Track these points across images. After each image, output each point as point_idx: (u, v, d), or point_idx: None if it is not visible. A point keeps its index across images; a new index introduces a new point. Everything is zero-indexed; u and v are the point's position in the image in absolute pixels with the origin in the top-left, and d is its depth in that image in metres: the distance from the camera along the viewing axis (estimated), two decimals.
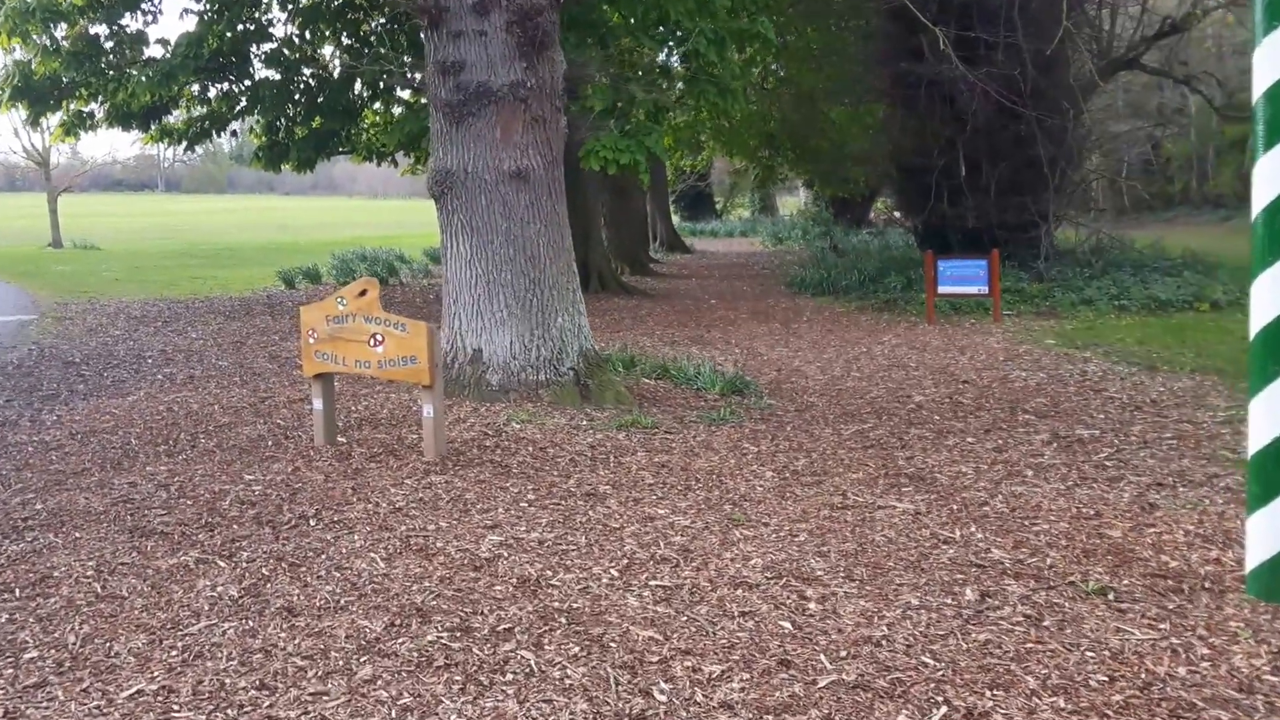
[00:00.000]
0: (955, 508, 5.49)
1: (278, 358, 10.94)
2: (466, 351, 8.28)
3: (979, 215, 16.57)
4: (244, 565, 4.73)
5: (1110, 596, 4.18)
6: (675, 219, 36.25)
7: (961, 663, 3.55)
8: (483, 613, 4.12)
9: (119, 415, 8.08)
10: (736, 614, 4.01)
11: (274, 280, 19.81)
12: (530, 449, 6.81)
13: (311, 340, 6.83)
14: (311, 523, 5.32)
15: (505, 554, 4.79)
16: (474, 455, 6.63)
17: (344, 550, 4.89)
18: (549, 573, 4.53)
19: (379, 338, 6.54)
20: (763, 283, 20.70)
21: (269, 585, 4.48)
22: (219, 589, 4.46)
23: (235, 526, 5.28)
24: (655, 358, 10.59)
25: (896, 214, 36.72)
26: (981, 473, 6.27)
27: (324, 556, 4.82)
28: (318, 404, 6.91)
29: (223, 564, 4.76)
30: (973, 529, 5.09)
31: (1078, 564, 4.57)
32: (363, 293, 6.61)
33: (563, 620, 4.02)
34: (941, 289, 13.77)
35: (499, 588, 4.38)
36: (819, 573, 4.47)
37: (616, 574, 4.50)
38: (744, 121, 19.75)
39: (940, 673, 3.48)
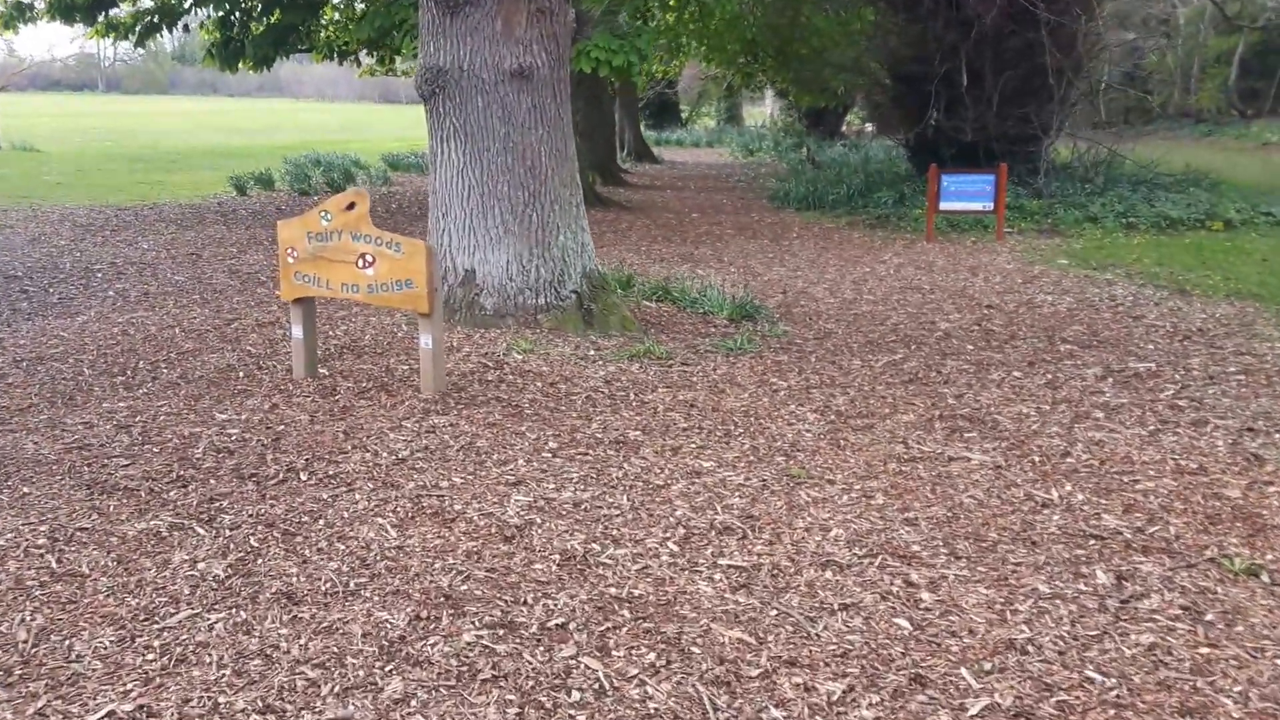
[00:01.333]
0: (1037, 460, 4.84)
1: (238, 273, 10.04)
2: (458, 272, 7.46)
3: (978, 128, 15.79)
4: (227, 533, 3.98)
5: (1264, 578, 3.55)
6: (641, 127, 35.08)
7: (1135, 678, 2.90)
8: (526, 601, 3.41)
9: (68, 339, 7.20)
10: (836, 607, 3.33)
11: (225, 186, 18.63)
12: (539, 384, 6.07)
13: (291, 260, 5.99)
14: (302, 476, 4.56)
15: (538, 519, 4.07)
16: (476, 391, 5.87)
17: (345, 513, 4.15)
18: (595, 546, 3.82)
19: (369, 258, 5.72)
20: (741, 196, 19.86)
21: (260, 561, 3.74)
22: (200, 565, 3.71)
23: (213, 481, 4.51)
24: (650, 277, 9.82)
25: (870, 126, 35.92)
26: (1046, 415, 5.62)
27: (322, 522, 4.07)
28: (297, 332, 6.09)
29: (201, 531, 4.00)
30: (1068, 487, 4.44)
31: (1206, 534, 3.94)
32: (350, 206, 5.77)
33: (625, 614, 3.32)
34: (943, 205, 13.04)
35: (539, 566, 3.67)
36: (915, 547, 3.79)
37: (675, 549, 3.80)
38: (726, 24, 18.69)
39: (1115, 693, 2.83)
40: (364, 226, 5.73)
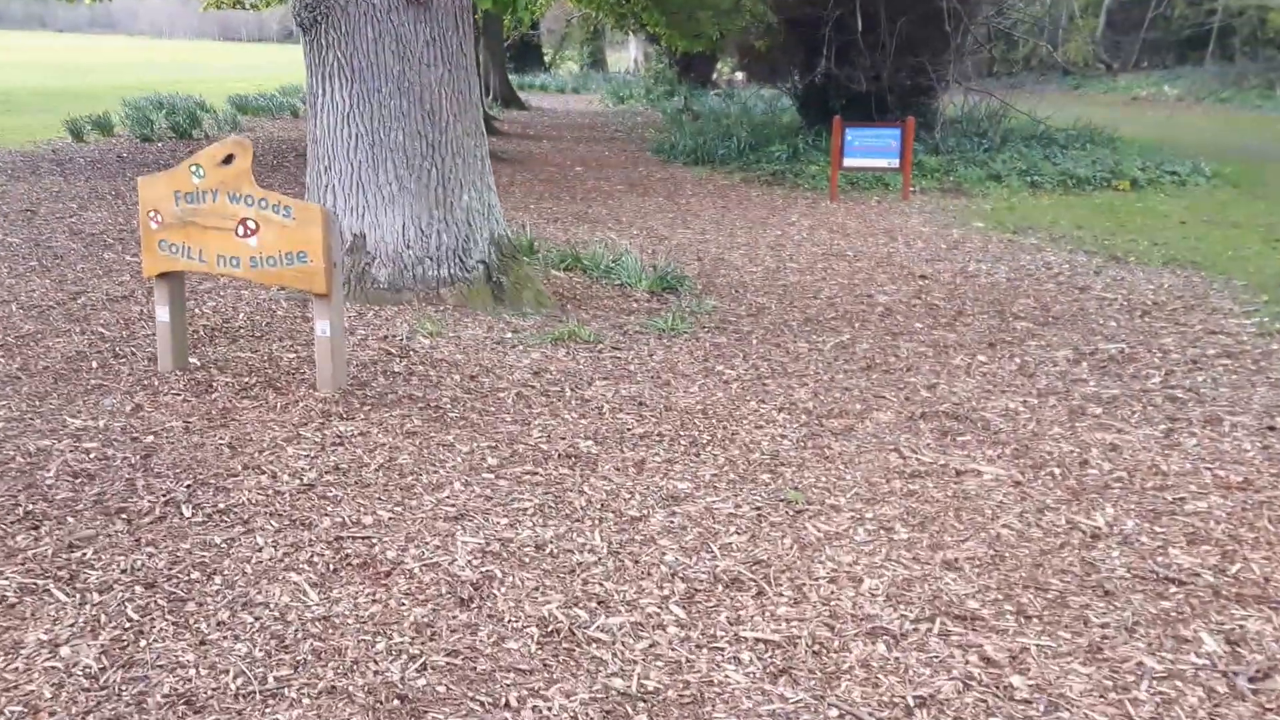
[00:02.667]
0: (1057, 472, 4.27)
1: (81, 233, 8.82)
2: (345, 237, 6.52)
3: (872, 77, 15.32)
4: (95, 598, 3.10)
5: None
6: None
7: None
8: (508, 704, 2.65)
9: None
10: (911, 702, 2.66)
11: (59, 131, 16.86)
12: (456, 377, 5.25)
13: (154, 226, 5.00)
14: (185, 511, 3.67)
15: (497, 572, 3.30)
16: (383, 387, 5.02)
17: (247, 567, 3.29)
18: (579, 613, 3.07)
19: (251, 225, 4.79)
20: (623, 147, 19.05)
21: (144, 642, 2.88)
22: (64, 650, 2.83)
23: (71, 520, 3.59)
24: (550, 241, 9.01)
25: (740, 75, 35.36)
26: (1036, 410, 5.08)
27: (219, 580, 3.22)
28: (162, 315, 5.11)
29: (62, 595, 3.11)
30: (1110, 510, 3.88)
31: None
32: (228, 159, 4.81)
33: None
34: (847, 161, 12.52)
35: (513, 646, 2.90)
36: (972, 603, 3.16)
37: (681, 613, 3.08)
38: None
39: None
40: (245, 185, 4.79)
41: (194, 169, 4.85)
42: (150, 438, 4.31)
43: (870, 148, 12.40)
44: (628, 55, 50.96)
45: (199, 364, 5.25)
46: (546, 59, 44.78)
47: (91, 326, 5.88)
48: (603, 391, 5.17)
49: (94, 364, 5.26)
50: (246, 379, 5.03)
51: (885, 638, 2.94)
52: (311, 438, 4.36)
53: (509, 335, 6.08)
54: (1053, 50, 19.82)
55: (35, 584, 3.16)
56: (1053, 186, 13.06)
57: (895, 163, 12.37)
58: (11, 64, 39.85)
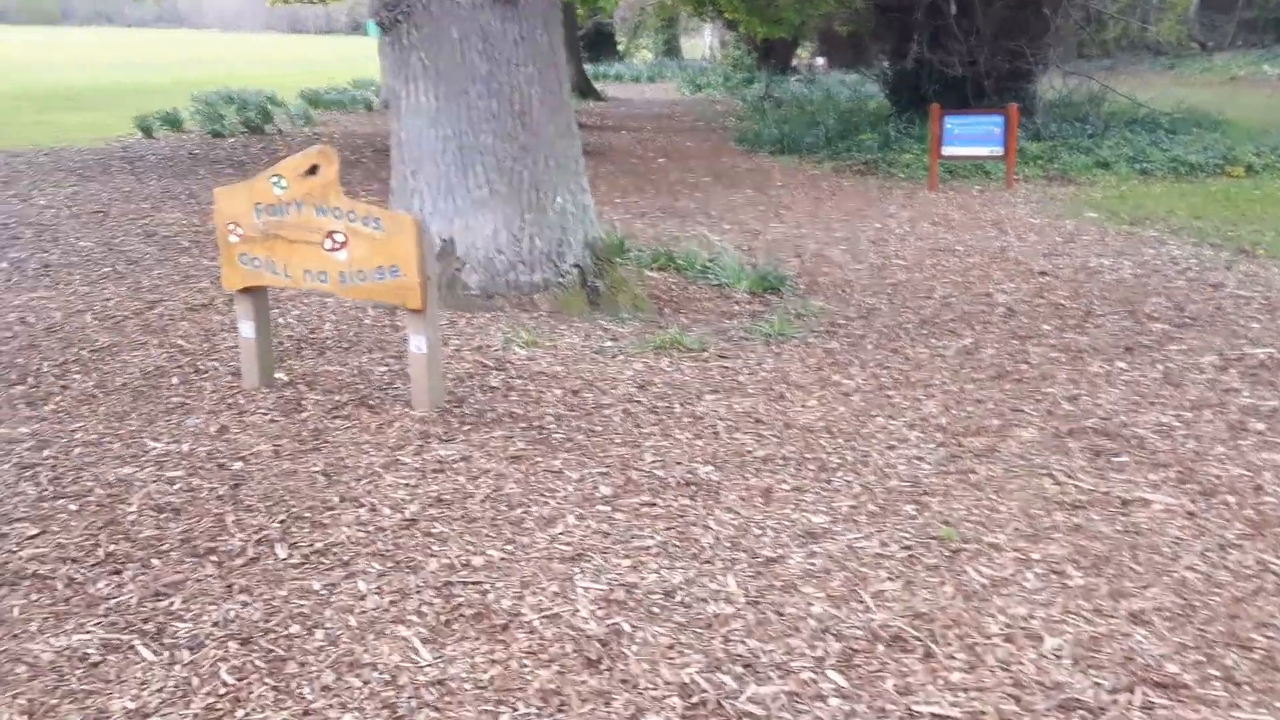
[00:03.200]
0: (1232, 501, 3.85)
1: (155, 236, 8.68)
2: (434, 243, 6.23)
3: (968, 62, 14.77)
4: (186, 656, 2.83)
5: None
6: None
7: None
8: None
9: None
10: None
11: (129, 128, 16.92)
12: (558, 390, 4.95)
13: (234, 239, 4.76)
14: (280, 551, 3.40)
15: (625, 625, 2.98)
16: (481, 404, 4.74)
17: (350, 618, 3.01)
18: (724, 678, 2.74)
19: (340, 238, 4.52)
20: (704, 137, 18.66)
21: (242, 713, 2.60)
22: None
23: (156, 561, 3.34)
24: (639, 239, 8.69)
25: (820, 60, 34.78)
26: (1192, 426, 4.64)
27: (320, 635, 2.94)
28: (246, 330, 4.88)
29: (150, 655, 2.84)
30: None
31: None
32: (313, 170, 4.54)
33: None
34: (946, 150, 12.02)
35: None
36: (1172, 668, 2.77)
37: (841, 680, 2.73)
38: None
39: None
40: (332, 197, 4.52)
41: (275, 180, 4.60)
42: (238, 464, 4.06)
43: (971, 135, 11.89)
44: (703, 42, 50.50)
45: (286, 379, 5.01)
46: (620, 47, 44.49)
47: (170, 339, 5.67)
48: (714, 407, 4.83)
49: (174, 380, 5.04)
50: (337, 396, 4.78)
51: (1081, 712, 2.57)
52: (411, 463, 4.08)
53: (608, 344, 5.76)
54: (1145, 29, 18.84)
55: (120, 639, 2.91)
56: (1164, 173, 12.43)
57: (999, 150, 11.86)
58: (78, 61, 40.57)
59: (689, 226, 9.79)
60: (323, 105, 23.20)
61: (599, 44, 41.55)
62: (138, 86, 28.60)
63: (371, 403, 4.72)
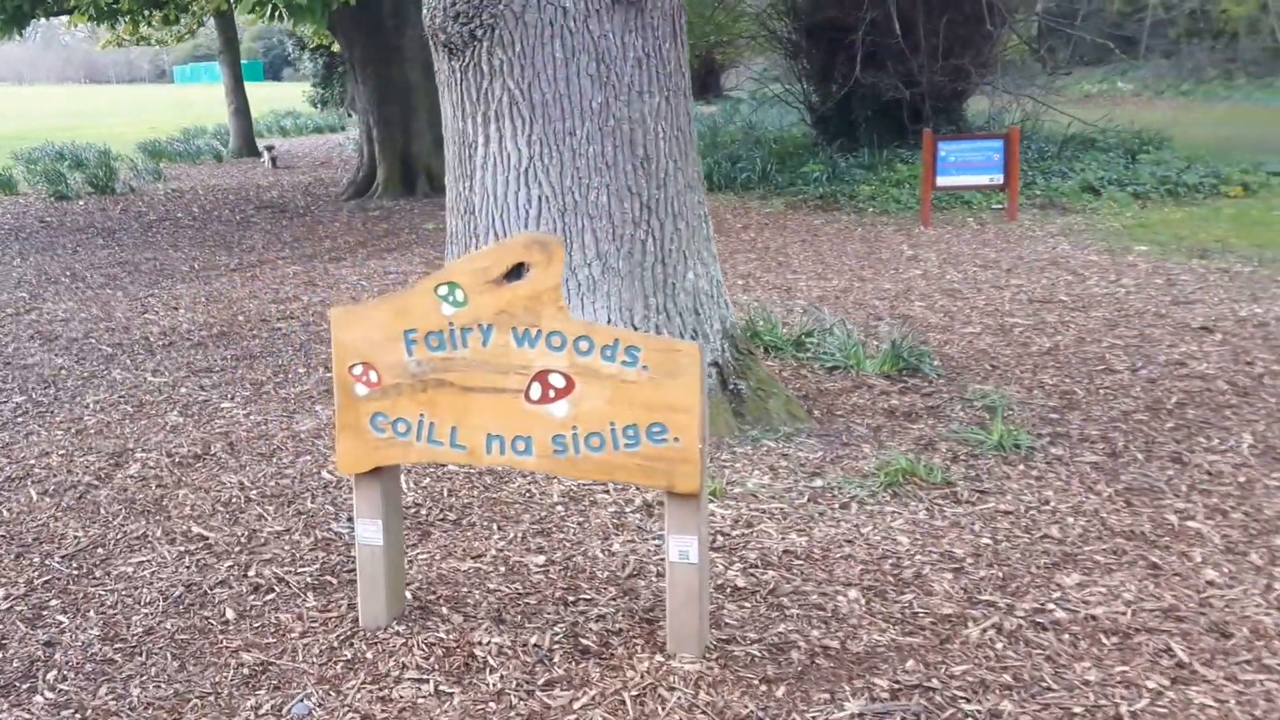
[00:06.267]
0: None
1: (57, 341, 6.46)
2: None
3: (909, 82, 13.58)
4: None
5: None
6: None
7: None
8: None
9: None
10: None
11: None
12: (827, 587, 3.19)
13: (363, 390, 2.83)
14: None
15: None
16: (748, 625, 2.92)
17: None
18: None
19: (559, 380, 2.67)
20: None
21: None
22: None
23: None
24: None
25: (727, 89, 33.48)
26: None
27: None
28: (371, 534, 2.94)
29: None
30: None
31: None
32: (516, 270, 2.67)
33: None
34: (941, 180, 10.65)
35: None
36: None
37: None
38: None
39: None
40: (548, 314, 2.66)
41: (446, 291, 2.70)
42: None
43: (968, 163, 10.55)
44: None
45: (415, 602, 3.07)
46: None
47: (184, 528, 3.63)
48: (1077, 594, 3.13)
49: (229, 615, 3.03)
50: (523, 634, 2.87)
51: None
52: None
53: (816, 483, 4.01)
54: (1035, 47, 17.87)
55: None
56: (1160, 196, 11.38)
57: (999, 178, 10.55)
58: None
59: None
60: (168, 158, 20.50)
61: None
62: None
63: (587, 641, 2.84)
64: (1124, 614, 3.09)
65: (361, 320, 2.79)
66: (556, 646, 2.82)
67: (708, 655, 2.78)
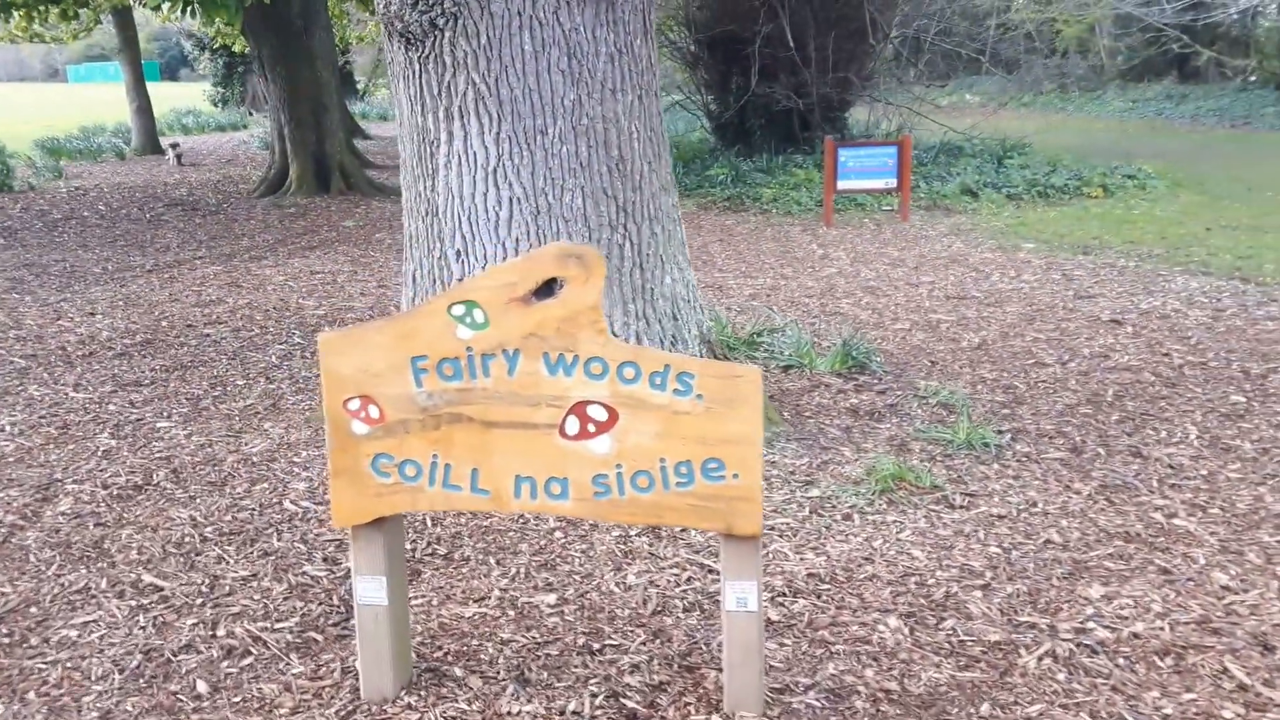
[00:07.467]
0: None
1: None
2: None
3: (800, 92, 13.25)
4: None
5: None
6: None
7: None
8: None
9: None
10: None
11: None
12: (865, 611, 2.69)
13: (361, 428, 2.21)
14: None
15: None
16: (794, 669, 2.42)
17: None
18: None
19: (600, 413, 2.10)
20: None
21: None
22: None
23: None
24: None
25: None
26: None
27: None
28: (374, 593, 2.33)
29: None
30: None
31: None
32: (548, 286, 2.08)
33: None
34: (841, 184, 10.31)
35: None
36: None
37: None
38: None
39: None
40: (586, 336, 2.09)
41: (463, 310, 2.10)
42: None
43: (866, 168, 10.24)
44: None
45: (420, 662, 2.47)
46: (360, 87, 40.73)
47: (137, 574, 2.95)
48: (1106, 609, 2.72)
49: (217, 690, 2.40)
50: (550, 698, 2.31)
51: None
52: None
53: (814, 494, 3.54)
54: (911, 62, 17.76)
55: None
56: (1031, 198, 11.28)
57: (892, 182, 10.26)
58: None
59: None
60: (68, 155, 18.95)
61: (343, 84, 37.64)
62: None
63: (632, 703, 2.31)
64: (1163, 630, 2.70)
65: (357, 346, 2.17)
66: (599, 712, 2.26)
67: (769, 711, 2.26)
